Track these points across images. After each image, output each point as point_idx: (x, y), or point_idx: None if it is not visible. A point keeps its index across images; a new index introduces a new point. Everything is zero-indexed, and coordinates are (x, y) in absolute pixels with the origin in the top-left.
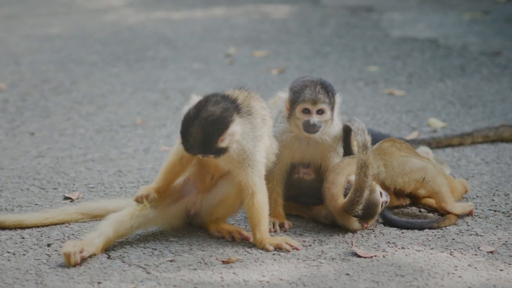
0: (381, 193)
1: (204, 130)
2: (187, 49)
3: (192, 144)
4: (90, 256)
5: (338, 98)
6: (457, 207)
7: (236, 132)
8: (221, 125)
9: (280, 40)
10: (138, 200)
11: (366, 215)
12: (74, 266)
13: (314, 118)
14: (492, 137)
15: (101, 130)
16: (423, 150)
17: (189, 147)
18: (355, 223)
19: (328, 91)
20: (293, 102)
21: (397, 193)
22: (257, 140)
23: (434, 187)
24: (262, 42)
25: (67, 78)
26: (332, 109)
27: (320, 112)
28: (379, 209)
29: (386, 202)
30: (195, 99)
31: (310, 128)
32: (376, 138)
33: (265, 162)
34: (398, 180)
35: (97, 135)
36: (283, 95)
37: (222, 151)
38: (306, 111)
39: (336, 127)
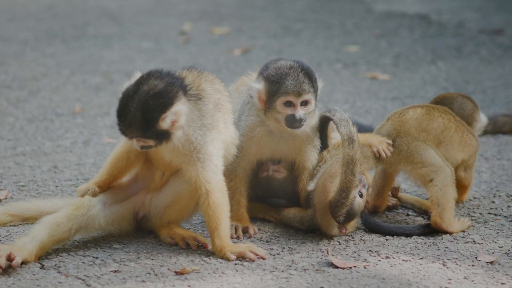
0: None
1: (144, 105)
2: (135, 25)
3: (130, 123)
4: (22, 264)
5: (320, 83)
6: (455, 226)
7: (181, 112)
8: (164, 99)
9: (244, 15)
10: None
11: (346, 217)
12: None
13: (300, 112)
14: (490, 130)
15: (33, 119)
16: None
17: (126, 128)
18: (335, 228)
19: (311, 77)
20: (272, 94)
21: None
22: (207, 129)
23: (439, 196)
24: (222, 18)
25: None
26: (316, 97)
27: (305, 103)
28: (358, 205)
29: (362, 195)
30: (138, 75)
31: (296, 123)
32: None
33: (222, 154)
34: (400, 166)
35: (29, 124)
36: (256, 86)
37: (164, 135)
38: (289, 104)
39: (316, 117)
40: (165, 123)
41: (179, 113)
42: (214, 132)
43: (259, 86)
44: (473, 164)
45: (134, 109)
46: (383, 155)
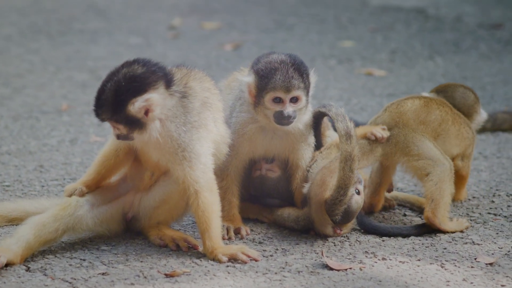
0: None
1: (117, 86)
2: (122, 20)
3: (102, 104)
4: (7, 266)
5: (312, 78)
6: (449, 225)
7: (154, 101)
8: (138, 84)
9: (235, 9)
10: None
11: (344, 217)
12: None
13: (288, 109)
14: (489, 128)
15: (18, 117)
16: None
17: (98, 108)
18: (329, 226)
19: (302, 72)
20: (261, 89)
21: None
22: (193, 127)
23: (434, 191)
24: (213, 12)
25: None
26: (307, 93)
27: (295, 100)
28: (355, 203)
29: (359, 192)
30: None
31: (284, 120)
32: None
33: (211, 153)
34: (396, 157)
35: (14, 123)
36: (246, 79)
37: (136, 124)
38: (278, 100)
39: (309, 113)
40: (134, 108)
41: (151, 101)
42: (201, 130)
43: (249, 79)
44: (470, 154)
45: (108, 89)
46: (379, 135)
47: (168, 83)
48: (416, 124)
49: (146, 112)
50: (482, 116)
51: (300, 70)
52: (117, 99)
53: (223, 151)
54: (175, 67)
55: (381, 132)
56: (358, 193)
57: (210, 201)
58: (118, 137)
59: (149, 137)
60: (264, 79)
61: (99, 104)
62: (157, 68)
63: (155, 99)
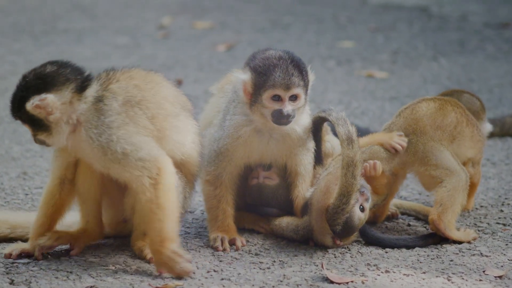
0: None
1: (23, 82)
2: (109, 18)
3: (11, 100)
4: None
5: (311, 75)
6: (455, 233)
7: (49, 103)
8: (40, 82)
9: (228, 8)
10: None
11: (344, 231)
12: None
13: (288, 107)
14: (497, 133)
15: (0, 121)
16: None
17: (10, 103)
18: (329, 236)
19: (302, 69)
20: (258, 86)
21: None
22: (110, 128)
23: (444, 197)
24: (205, 11)
25: None
26: (306, 91)
27: (294, 98)
28: (358, 219)
29: (363, 209)
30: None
31: (283, 119)
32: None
33: (148, 147)
34: (414, 167)
35: None
36: (242, 77)
37: (39, 124)
38: (277, 98)
39: (307, 114)
40: (29, 106)
41: (46, 101)
42: (127, 127)
43: (245, 77)
44: (480, 159)
45: (17, 85)
46: (399, 148)
47: (81, 88)
48: (433, 130)
49: (46, 112)
50: (487, 125)
51: (300, 67)
52: (18, 94)
53: (185, 142)
54: (104, 71)
55: (399, 142)
56: (363, 210)
57: (166, 188)
58: (34, 140)
59: (58, 142)
60: (263, 76)
61: (11, 100)
62: (70, 71)
63: (50, 101)
